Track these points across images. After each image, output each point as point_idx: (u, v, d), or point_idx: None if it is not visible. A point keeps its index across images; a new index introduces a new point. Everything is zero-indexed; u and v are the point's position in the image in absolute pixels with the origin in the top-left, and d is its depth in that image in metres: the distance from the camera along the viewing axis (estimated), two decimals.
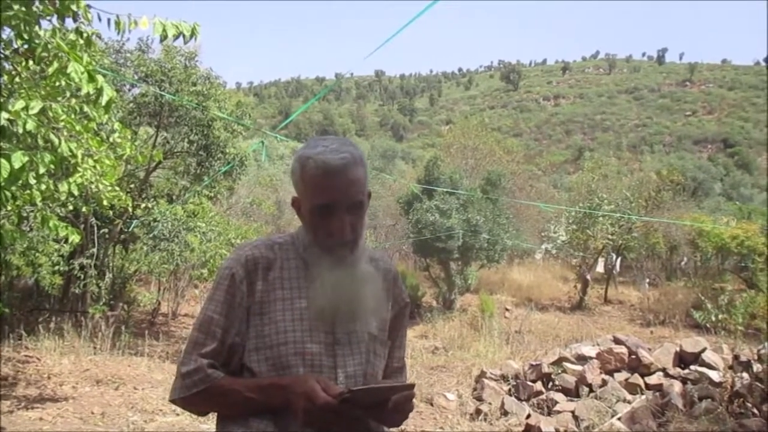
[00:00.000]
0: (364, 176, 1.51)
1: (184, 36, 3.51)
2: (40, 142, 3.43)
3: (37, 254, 8.46)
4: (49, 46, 3.29)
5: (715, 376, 6.97)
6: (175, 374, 1.54)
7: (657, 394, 7.04)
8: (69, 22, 3.45)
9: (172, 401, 1.54)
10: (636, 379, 7.42)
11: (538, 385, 7.63)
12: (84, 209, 6.99)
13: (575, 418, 6.68)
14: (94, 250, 9.66)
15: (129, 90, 10.68)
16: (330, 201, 1.46)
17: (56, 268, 8.83)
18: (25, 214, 6.19)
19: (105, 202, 5.11)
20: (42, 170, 3.39)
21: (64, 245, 8.54)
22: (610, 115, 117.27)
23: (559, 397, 7.26)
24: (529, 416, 6.86)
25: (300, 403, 1.37)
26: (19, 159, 3.14)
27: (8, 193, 3.54)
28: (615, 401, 6.93)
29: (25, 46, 3.34)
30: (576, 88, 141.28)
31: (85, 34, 3.56)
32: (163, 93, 9.74)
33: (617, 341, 8.16)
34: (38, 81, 3.60)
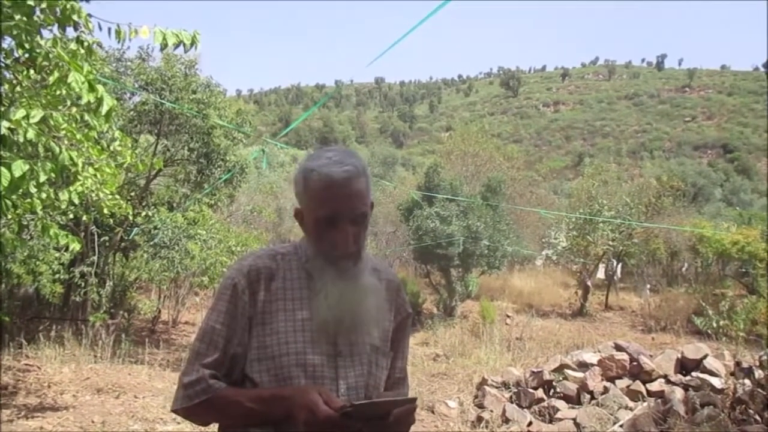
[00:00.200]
0: (368, 188, 1.51)
1: (184, 45, 3.52)
2: (41, 150, 3.43)
3: (37, 262, 8.46)
4: (50, 56, 3.30)
5: (716, 382, 6.95)
6: (176, 383, 1.54)
7: (659, 401, 7.03)
8: (70, 31, 3.47)
9: (174, 411, 1.53)
10: (637, 385, 7.41)
11: (540, 393, 7.61)
12: (84, 217, 7.01)
13: (577, 425, 6.66)
14: (95, 258, 9.66)
15: (129, 98, 10.70)
16: (334, 213, 1.46)
17: (57, 276, 8.82)
18: (25, 223, 6.19)
19: (105, 211, 5.11)
20: (42, 179, 3.39)
21: (65, 253, 8.54)
22: (609, 121, 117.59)
23: (560, 404, 7.24)
24: (530, 423, 6.84)
25: (301, 416, 1.37)
26: (19, 168, 3.14)
27: (9, 202, 3.54)
28: (617, 408, 6.92)
29: (26, 56, 3.35)
30: (575, 94, 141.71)
31: (86, 43, 3.57)
32: (163, 101, 9.76)
33: (618, 348, 8.14)
34: (39, 90, 3.61)
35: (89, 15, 3.42)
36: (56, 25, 3.36)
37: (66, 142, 3.74)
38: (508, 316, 16.19)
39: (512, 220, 19.24)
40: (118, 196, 5.15)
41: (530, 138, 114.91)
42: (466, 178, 21.09)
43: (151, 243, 9.52)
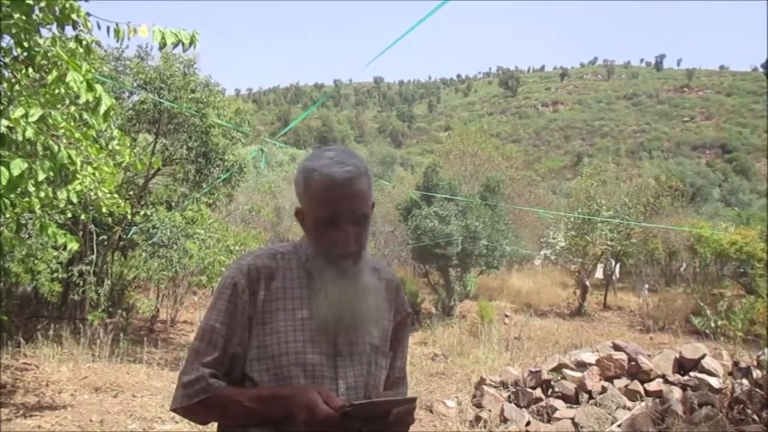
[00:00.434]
0: (369, 188, 1.51)
1: (183, 44, 3.52)
2: (40, 149, 3.43)
3: (35, 261, 8.46)
4: (49, 54, 3.30)
5: (714, 382, 6.96)
6: (175, 382, 1.53)
7: (657, 400, 7.04)
8: (69, 30, 3.47)
9: (173, 410, 1.53)
10: (636, 385, 7.41)
11: (538, 392, 7.61)
12: (83, 216, 7.00)
13: (575, 425, 6.66)
14: (93, 257, 9.65)
15: (128, 97, 10.70)
16: (335, 213, 1.46)
17: (55, 275, 8.82)
18: (23, 222, 6.18)
19: (104, 209, 5.11)
20: (41, 177, 3.38)
21: (63, 252, 8.54)
22: (608, 121, 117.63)
23: (558, 403, 7.25)
24: (528, 423, 6.85)
25: (301, 415, 1.37)
26: (18, 166, 3.14)
27: (7, 201, 3.53)
28: (615, 408, 6.92)
29: (25, 54, 3.34)
30: (574, 94, 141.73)
31: (84, 42, 3.57)
32: (162, 100, 9.75)
33: (617, 347, 8.15)
34: (38, 89, 3.61)
35: (88, 14, 3.43)
36: (55, 23, 3.36)
37: (65, 140, 3.74)
38: (507, 316, 16.20)
39: (511, 219, 19.25)
40: (116, 195, 5.15)
41: (529, 138, 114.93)
42: (464, 177, 21.10)
43: (150, 242, 9.52)
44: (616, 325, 16.40)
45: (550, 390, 7.64)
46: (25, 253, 8.26)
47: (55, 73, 3.30)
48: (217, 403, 1.46)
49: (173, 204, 11.21)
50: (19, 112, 3.19)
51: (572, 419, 6.76)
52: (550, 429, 6.69)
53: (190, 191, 11.30)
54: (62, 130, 3.70)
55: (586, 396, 7.32)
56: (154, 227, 9.50)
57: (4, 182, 3.07)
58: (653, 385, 7.37)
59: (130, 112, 10.43)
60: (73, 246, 4.50)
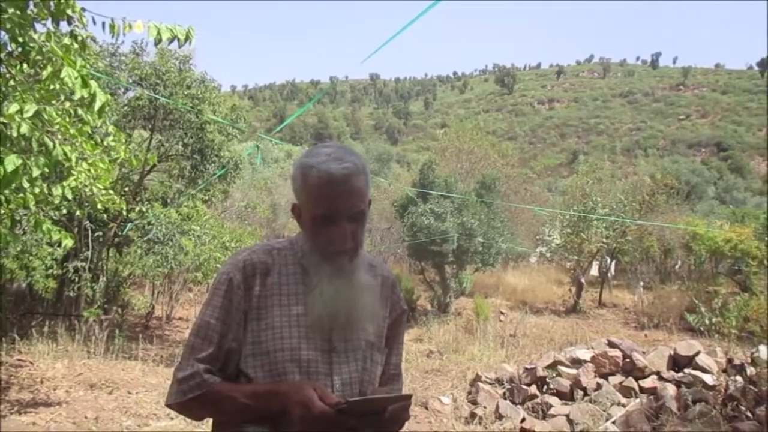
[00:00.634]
0: (366, 185, 1.51)
1: (178, 40, 3.50)
2: (34, 145, 3.41)
3: (30, 258, 8.43)
4: (44, 50, 3.28)
5: (708, 379, 6.99)
6: (170, 379, 1.53)
7: (651, 397, 7.07)
8: (63, 26, 3.45)
9: (168, 406, 1.53)
10: (630, 382, 7.45)
11: (533, 389, 7.64)
12: (78, 213, 6.97)
13: (570, 421, 6.69)
14: (88, 253, 9.63)
15: (123, 93, 10.65)
16: (332, 210, 1.46)
17: (50, 271, 8.79)
18: (18, 218, 6.15)
19: (99, 206, 5.09)
20: (36, 173, 3.37)
21: (58, 249, 8.52)
22: (604, 119, 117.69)
23: (553, 400, 7.28)
24: (523, 420, 6.87)
25: (296, 411, 1.37)
26: (12, 162, 3.13)
27: (1, 197, 3.52)
28: (609, 404, 6.96)
29: (20, 50, 3.33)
30: (570, 91, 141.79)
31: (79, 38, 3.55)
32: (157, 96, 9.72)
33: (612, 345, 8.18)
34: (32, 84, 3.59)
35: (83, 9, 3.41)
36: (50, 19, 3.34)
37: (59, 136, 3.72)
38: (502, 313, 16.23)
39: (506, 217, 19.26)
40: (111, 192, 5.13)
41: (525, 135, 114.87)
42: (460, 175, 21.10)
43: (145, 238, 9.50)
44: (611, 323, 16.46)
45: (545, 387, 7.68)
46: (19, 250, 8.23)
47: (49, 69, 3.29)
48: (212, 399, 1.46)
49: (169, 200, 11.18)
50: (13, 107, 3.17)
51: (567, 416, 6.78)
52: (545, 426, 6.71)
53: (185, 188, 11.27)
54: (57, 126, 3.68)
55: (581, 393, 7.35)
56: (149, 224, 9.47)
57: None
58: (648, 382, 7.41)
59: (126, 108, 10.38)
60: (68, 242, 4.49)
